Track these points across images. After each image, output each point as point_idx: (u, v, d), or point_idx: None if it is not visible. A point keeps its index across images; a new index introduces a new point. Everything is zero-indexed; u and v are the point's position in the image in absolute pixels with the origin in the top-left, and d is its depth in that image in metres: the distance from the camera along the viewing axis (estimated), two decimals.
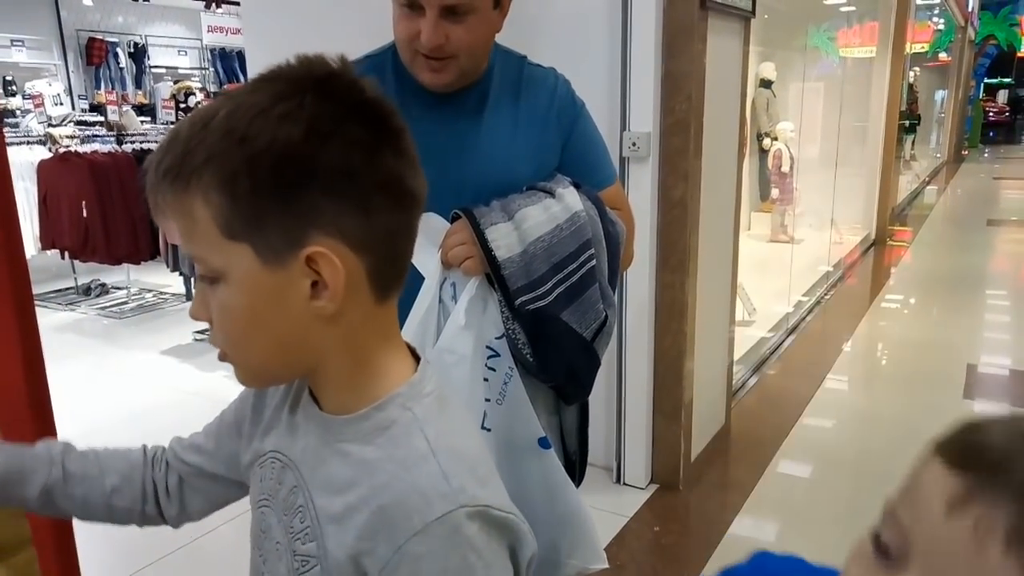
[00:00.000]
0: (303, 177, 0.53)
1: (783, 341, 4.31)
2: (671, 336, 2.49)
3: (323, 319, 0.57)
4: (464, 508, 0.55)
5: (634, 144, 2.29)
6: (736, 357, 3.23)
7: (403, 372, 0.62)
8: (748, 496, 2.62)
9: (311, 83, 0.54)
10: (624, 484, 2.64)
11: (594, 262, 1.10)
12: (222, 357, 0.60)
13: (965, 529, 0.35)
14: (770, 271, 5.37)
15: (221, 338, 0.60)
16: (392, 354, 0.63)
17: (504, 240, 1.05)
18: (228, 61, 10.74)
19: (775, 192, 6.28)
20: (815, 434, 3.22)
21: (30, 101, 6.47)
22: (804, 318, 4.78)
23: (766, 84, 6.31)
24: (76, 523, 1.56)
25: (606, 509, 2.45)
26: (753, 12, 2.66)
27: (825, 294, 5.36)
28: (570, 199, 1.10)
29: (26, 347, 1.40)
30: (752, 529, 2.45)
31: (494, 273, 1.06)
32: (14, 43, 9.25)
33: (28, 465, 0.72)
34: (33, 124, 5.78)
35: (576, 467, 1.26)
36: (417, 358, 0.65)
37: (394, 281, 0.61)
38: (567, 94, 1.23)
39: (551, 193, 1.11)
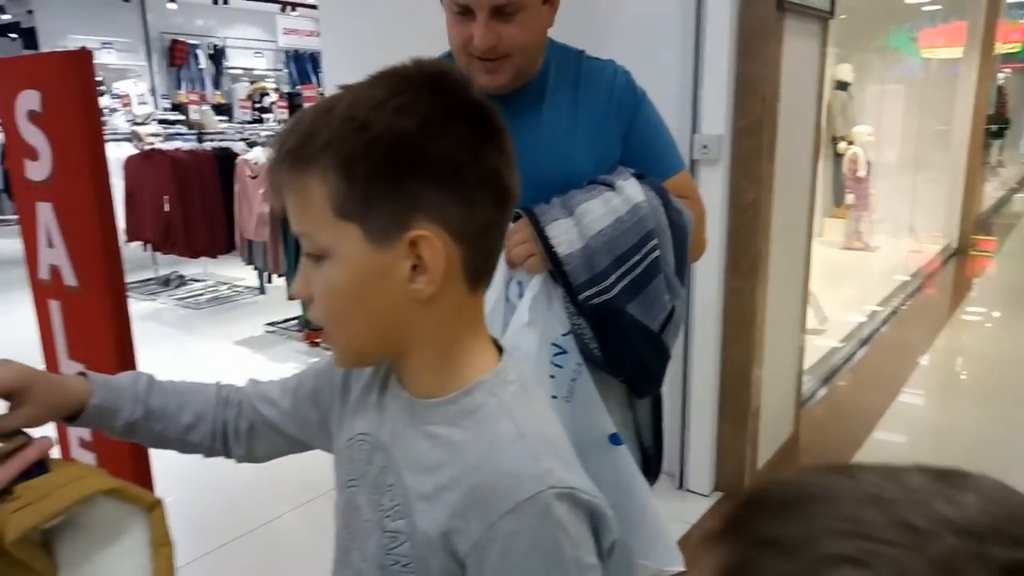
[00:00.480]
0: (414, 164, 0.57)
1: (855, 352, 4.16)
2: (739, 342, 2.44)
3: (419, 302, 0.60)
4: (553, 489, 0.57)
5: (705, 147, 2.26)
6: (805, 366, 3.15)
7: (488, 361, 0.66)
8: None
9: (425, 81, 0.59)
10: (687, 490, 2.60)
11: (658, 253, 1.08)
12: (323, 337, 0.65)
13: None
14: (843, 279, 5.20)
15: (322, 315, 0.63)
16: (479, 343, 0.66)
17: (565, 236, 1.05)
18: (302, 63, 11.05)
19: (850, 197, 6.08)
20: (888, 448, 3.10)
21: (118, 100, 6.81)
22: (878, 329, 4.61)
23: (842, 86, 6.11)
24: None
25: (668, 515, 2.40)
26: (832, 13, 2.58)
27: (901, 304, 5.16)
28: (630, 190, 1.09)
29: (119, 333, 1.48)
30: None
31: (556, 269, 1.06)
32: (104, 45, 9.74)
33: (117, 402, 0.76)
34: (120, 122, 6.08)
35: (652, 462, 1.25)
36: (500, 349, 0.68)
37: (485, 273, 0.64)
38: (627, 84, 1.21)
39: (611, 186, 1.10)
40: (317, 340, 4.32)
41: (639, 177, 1.13)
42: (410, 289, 0.59)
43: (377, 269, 0.59)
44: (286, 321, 4.70)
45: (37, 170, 1.49)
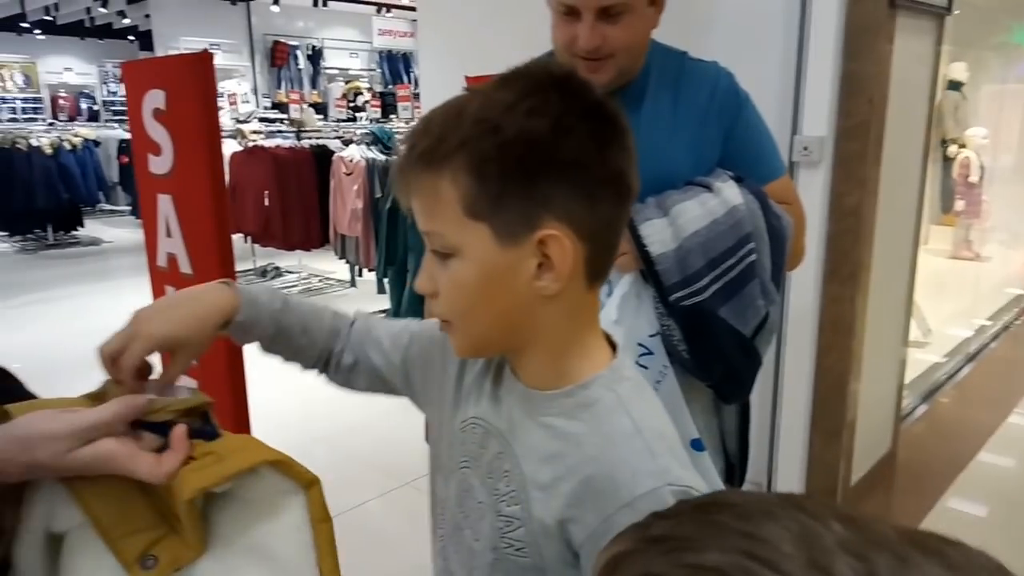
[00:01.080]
0: (545, 165, 0.59)
1: (960, 368, 3.92)
2: (836, 353, 2.35)
3: (543, 299, 0.62)
4: (670, 486, 0.58)
5: (806, 148, 2.18)
6: (906, 380, 2.99)
7: (603, 356, 0.67)
8: None
9: (553, 83, 0.61)
10: None
11: (754, 257, 1.06)
12: (443, 328, 0.67)
13: None
14: (949, 290, 4.91)
15: (447, 310, 0.65)
16: (594, 338, 0.67)
17: (658, 235, 1.04)
18: (394, 63, 11.34)
19: (959, 204, 5.73)
20: (995, 471, 2.91)
21: (224, 99, 7.18)
22: (987, 344, 4.33)
23: (955, 86, 5.76)
24: None
25: None
26: (949, 8, 2.44)
27: (1015, 319, 4.82)
28: (728, 193, 1.07)
29: None
30: None
31: (648, 268, 1.05)
32: (212, 46, 10.28)
33: (256, 319, 0.78)
34: (225, 120, 6.41)
35: (736, 470, 1.23)
36: (614, 346, 0.69)
37: (604, 271, 0.66)
38: (729, 86, 1.19)
39: (708, 188, 1.09)
40: None
41: (738, 180, 1.11)
42: (535, 286, 0.61)
43: (504, 267, 0.61)
44: (375, 314, 4.82)
45: (159, 164, 1.59)
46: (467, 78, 2.63)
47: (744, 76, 1.23)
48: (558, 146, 0.59)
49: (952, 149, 5.79)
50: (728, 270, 1.05)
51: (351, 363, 0.85)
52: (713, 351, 1.07)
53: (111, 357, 0.68)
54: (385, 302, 4.51)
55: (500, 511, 0.67)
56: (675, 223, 1.05)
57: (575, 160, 0.59)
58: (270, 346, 0.82)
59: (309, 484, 0.62)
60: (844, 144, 2.19)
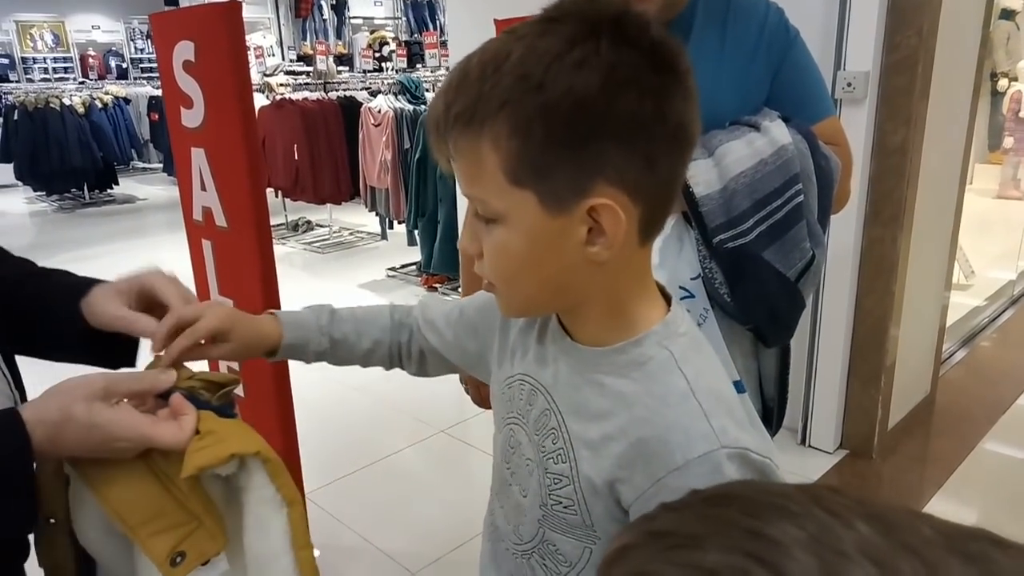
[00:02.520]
0: (597, 127, 0.53)
1: (1004, 311, 3.83)
2: (876, 295, 2.30)
3: (593, 263, 0.57)
4: (725, 449, 0.56)
5: (849, 84, 2.10)
6: (947, 324, 2.93)
7: (657, 311, 0.63)
8: (952, 473, 2.40)
9: (605, 26, 0.53)
10: (809, 447, 2.52)
11: (801, 198, 1.03)
12: (489, 288, 0.64)
13: None
14: (994, 231, 4.76)
15: (491, 273, 0.62)
16: (648, 294, 0.64)
17: (703, 176, 1.01)
18: (419, 10, 11.11)
19: (1009, 141, 5.50)
20: None
21: (251, 52, 7.14)
22: None
23: (1007, 15, 5.48)
24: (300, 436, 1.76)
25: (789, 471, 2.33)
26: None
27: None
28: (776, 132, 1.03)
29: (264, 270, 1.58)
30: (954, 507, 2.26)
31: (692, 210, 1.02)
32: None
33: (305, 337, 0.81)
34: (252, 73, 6.38)
35: (774, 415, 1.22)
36: (668, 298, 0.66)
37: (659, 226, 0.61)
38: (779, 23, 1.15)
39: (756, 127, 1.05)
40: (435, 284, 4.45)
41: (785, 120, 1.07)
42: (585, 252, 0.57)
43: (552, 235, 0.56)
44: (405, 267, 4.86)
45: (191, 117, 1.59)
46: (497, 21, 2.57)
47: (786, 7, 1.18)
48: (611, 104, 0.52)
49: (1003, 83, 5.54)
50: (774, 212, 1.02)
51: (419, 352, 0.86)
52: (756, 294, 1.05)
53: (176, 328, 0.70)
54: (416, 254, 4.53)
55: (548, 468, 0.65)
56: (720, 164, 1.02)
57: (631, 119, 0.53)
58: (335, 358, 0.84)
59: (291, 502, 0.62)
60: (890, 79, 2.10)
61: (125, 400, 0.62)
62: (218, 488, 0.63)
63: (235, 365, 1.59)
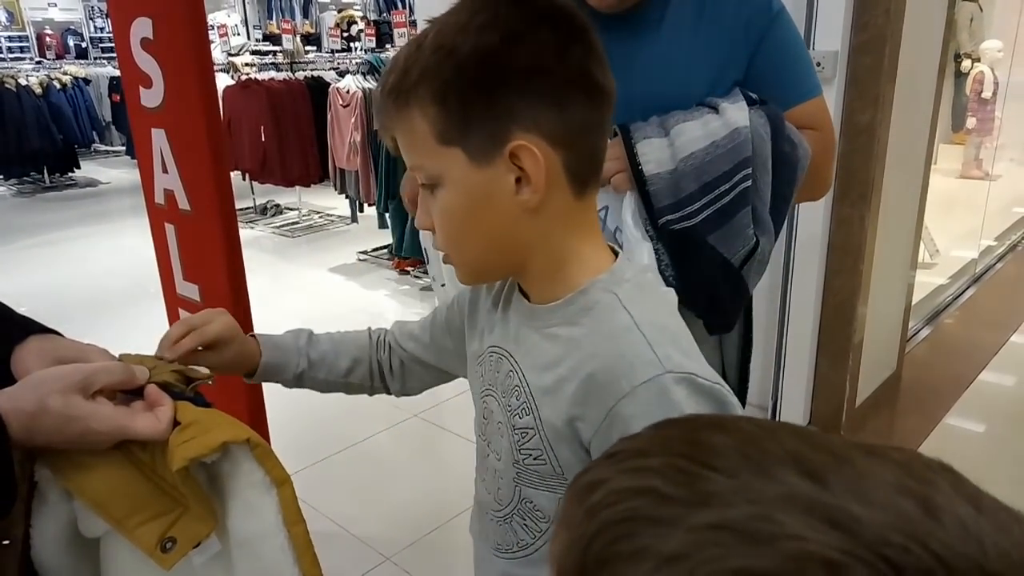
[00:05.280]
0: (502, 78, 0.59)
1: (966, 289, 3.92)
2: (844, 275, 2.33)
3: (528, 212, 0.62)
4: (670, 374, 0.59)
5: (819, 64, 2.10)
6: (913, 301, 2.99)
7: (603, 262, 0.67)
8: (916, 448, 2.46)
9: None
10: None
11: (749, 183, 1.01)
12: (445, 260, 0.69)
13: None
14: (957, 211, 4.85)
15: (442, 239, 0.66)
16: (592, 246, 0.67)
17: (655, 155, 1.00)
18: None
19: (971, 121, 5.59)
20: (997, 390, 2.94)
21: (214, 31, 6.97)
22: (993, 265, 4.31)
23: None
24: (271, 422, 1.74)
25: None
26: None
27: (1022, 239, 4.79)
28: (733, 115, 1.01)
29: (230, 254, 1.54)
30: None
31: (639, 188, 1.01)
32: None
33: (283, 357, 0.85)
34: (216, 53, 6.23)
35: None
36: (616, 253, 0.69)
37: (591, 176, 0.65)
38: (760, 2, 1.12)
39: (715, 108, 1.03)
40: (407, 268, 4.42)
41: (757, 103, 1.06)
42: (518, 201, 0.61)
43: (484, 186, 0.61)
44: (377, 250, 4.82)
45: (151, 97, 1.54)
46: None
47: None
48: (512, 56, 0.59)
49: (966, 64, 5.62)
50: (721, 196, 1.01)
51: (399, 365, 0.89)
52: (698, 278, 1.04)
53: (186, 331, 0.76)
54: (387, 237, 4.49)
55: (515, 424, 0.69)
56: (674, 144, 1.01)
57: (532, 67, 0.59)
58: (315, 380, 0.87)
59: (280, 482, 0.63)
60: (858, 59, 2.11)
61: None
62: (201, 475, 0.64)
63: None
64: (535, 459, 0.67)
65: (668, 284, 1.03)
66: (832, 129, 1.18)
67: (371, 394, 0.92)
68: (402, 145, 0.64)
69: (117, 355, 0.70)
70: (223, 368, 0.80)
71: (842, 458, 0.29)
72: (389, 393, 0.92)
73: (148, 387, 0.63)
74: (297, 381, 0.86)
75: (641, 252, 1.01)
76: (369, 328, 0.92)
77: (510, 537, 0.73)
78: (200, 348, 0.77)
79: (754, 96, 1.06)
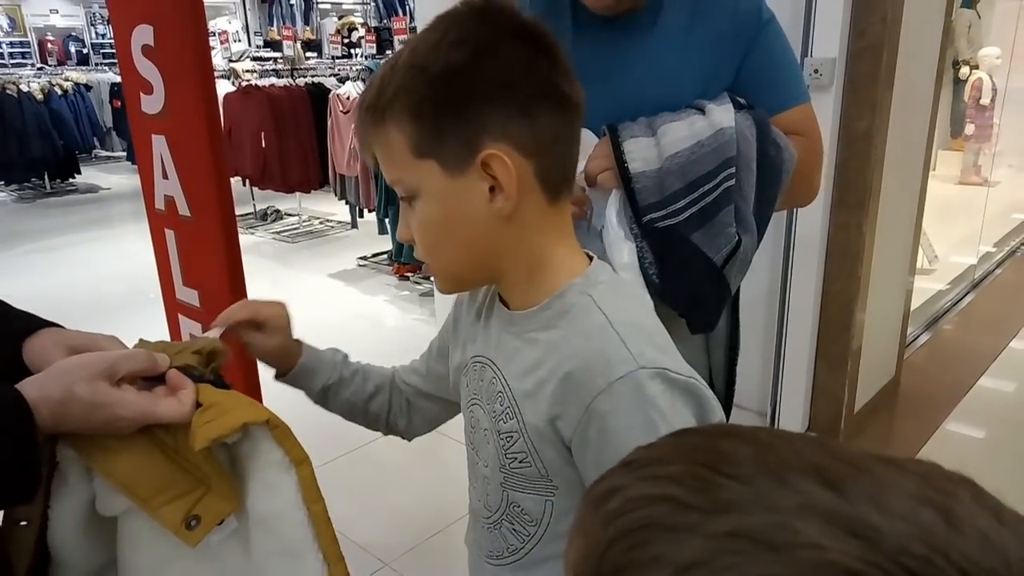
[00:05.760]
0: (472, 91, 0.62)
1: (965, 295, 3.92)
2: (842, 280, 2.33)
3: (503, 220, 0.64)
4: (644, 369, 0.61)
5: (816, 71, 2.11)
6: (911, 308, 2.99)
7: (579, 266, 0.69)
8: (915, 454, 2.45)
9: (472, 13, 0.64)
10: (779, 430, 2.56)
11: (732, 182, 1.02)
12: (425, 270, 0.69)
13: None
14: (956, 217, 4.86)
15: (422, 249, 0.69)
16: (567, 251, 0.69)
17: (641, 153, 1.01)
18: None
19: (970, 128, 5.61)
20: (996, 396, 2.94)
21: (215, 38, 6.99)
22: (992, 271, 4.31)
23: (968, 3, 5.57)
24: None
25: None
26: None
27: (1021, 245, 4.80)
28: (719, 115, 1.02)
29: (230, 260, 1.55)
30: None
31: (625, 187, 1.02)
32: None
33: (318, 364, 0.88)
34: (217, 60, 6.25)
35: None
36: (591, 257, 0.72)
37: (562, 183, 0.68)
38: (751, 9, 1.13)
39: (701, 110, 1.05)
40: (407, 274, 4.43)
41: (744, 107, 1.07)
42: (492, 209, 0.64)
43: (459, 196, 0.64)
44: (377, 255, 4.82)
45: (151, 103, 1.55)
46: None
47: None
48: (481, 70, 0.61)
49: (964, 71, 5.63)
50: (705, 194, 1.02)
51: (406, 403, 0.92)
52: (681, 276, 1.04)
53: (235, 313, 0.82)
54: (387, 243, 4.50)
55: (500, 430, 0.70)
56: (660, 143, 1.02)
57: (501, 80, 0.62)
58: (337, 397, 0.89)
59: (300, 462, 0.64)
60: (855, 66, 2.12)
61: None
62: (222, 455, 0.65)
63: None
64: (520, 462, 0.69)
65: (651, 282, 1.04)
66: (820, 136, 1.19)
67: (385, 432, 0.94)
68: (380, 159, 0.67)
69: (132, 343, 0.71)
70: (264, 354, 0.84)
71: (861, 468, 0.29)
72: (397, 432, 0.94)
73: (170, 371, 0.65)
74: (323, 394, 0.89)
75: (623, 251, 1.02)
76: (393, 367, 0.95)
77: (500, 543, 0.75)
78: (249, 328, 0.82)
79: (742, 101, 1.08)
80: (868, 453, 0.30)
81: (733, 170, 1.02)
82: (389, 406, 0.91)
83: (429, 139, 0.62)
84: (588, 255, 0.71)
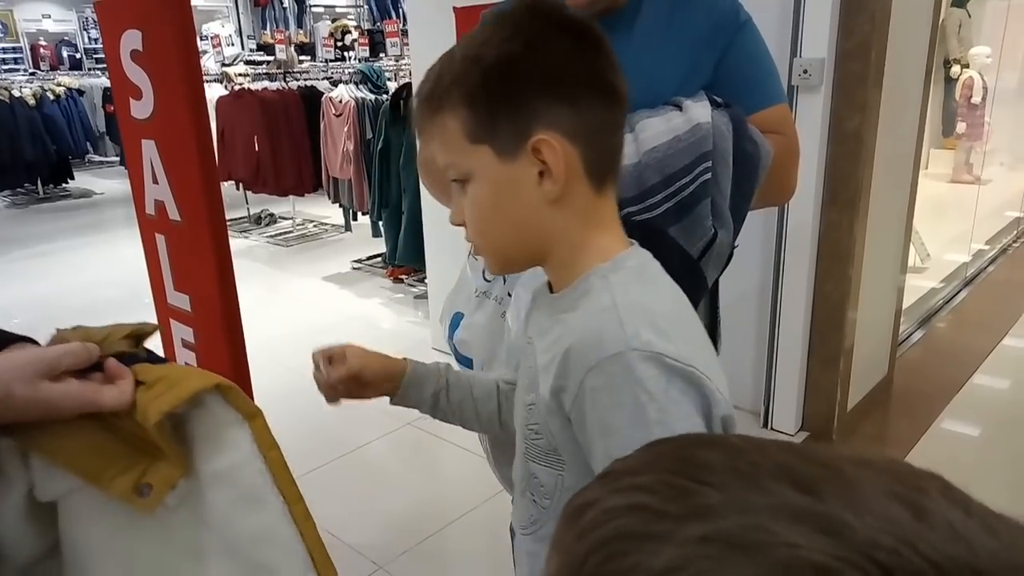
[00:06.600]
0: (525, 81, 0.66)
1: (958, 292, 3.94)
2: (834, 280, 2.34)
3: (551, 203, 0.68)
4: (636, 351, 0.62)
5: (805, 71, 2.12)
6: (904, 306, 3.00)
7: (613, 252, 0.71)
8: (908, 452, 2.47)
9: (523, 10, 0.69)
10: (771, 429, 2.56)
11: (709, 176, 1.04)
12: (476, 251, 0.75)
13: None
14: (948, 215, 4.88)
15: (473, 231, 0.73)
16: (609, 238, 0.72)
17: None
18: None
19: (961, 126, 5.63)
20: (989, 393, 2.96)
21: (207, 42, 6.98)
22: (984, 268, 4.33)
23: (959, 3, 5.59)
24: None
25: None
26: None
27: (1013, 242, 4.81)
28: (696, 111, 1.05)
29: (220, 264, 1.55)
30: None
31: None
32: None
33: (425, 375, 0.91)
34: (210, 64, 6.25)
35: None
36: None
37: (608, 171, 0.71)
38: (728, 9, 1.15)
39: (679, 106, 1.07)
40: (401, 277, 4.42)
41: (721, 105, 1.08)
42: (541, 192, 0.67)
43: (510, 180, 0.68)
44: (371, 258, 4.82)
45: (141, 108, 1.55)
46: (456, 10, 2.54)
47: None
48: (534, 60, 0.66)
49: (955, 70, 5.66)
50: (682, 188, 1.03)
51: (504, 399, 0.94)
52: None
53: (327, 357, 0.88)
54: (381, 246, 4.50)
55: (525, 401, 0.74)
56: (638, 138, 1.04)
57: (552, 69, 0.66)
58: (448, 403, 0.92)
59: (252, 416, 0.64)
60: (844, 66, 2.13)
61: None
62: (170, 426, 0.64)
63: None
64: (536, 434, 0.72)
65: None
66: (796, 135, 1.21)
67: (500, 432, 0.95)
68: (437, 147, 0.71)
69: (54, 329, 0.71)
70: (374, 394, 0.90)
71: (832, 468, 0.29)
72: (511, 431, 0.96)
73: (108, 361, 0.65)
74: (433, 401, 0.92)
75: None
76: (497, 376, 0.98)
77: (525, 514, 0.78)
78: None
79: (719, 99, 1.09)
80: (840, 454, 0.31)
81: (710, 164, 1.03)
82: (499, 405, 0.94)
83: (483, 126, 0.67)
84: (632, 242, 0.74)
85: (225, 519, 0.65)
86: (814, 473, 0.28)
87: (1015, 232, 4.94)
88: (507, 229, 0.71)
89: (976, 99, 5.44)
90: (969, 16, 5.63)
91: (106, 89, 8.33)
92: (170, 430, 0.64)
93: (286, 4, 10.81)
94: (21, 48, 11.41)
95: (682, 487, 0.29)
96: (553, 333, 0.71)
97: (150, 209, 1.65)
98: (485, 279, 1.18)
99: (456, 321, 1.24)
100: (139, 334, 0.70)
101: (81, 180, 8.34)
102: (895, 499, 0.27)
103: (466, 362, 1.22)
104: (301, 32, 10.27)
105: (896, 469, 0.29)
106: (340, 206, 4.94)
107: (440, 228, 3.32)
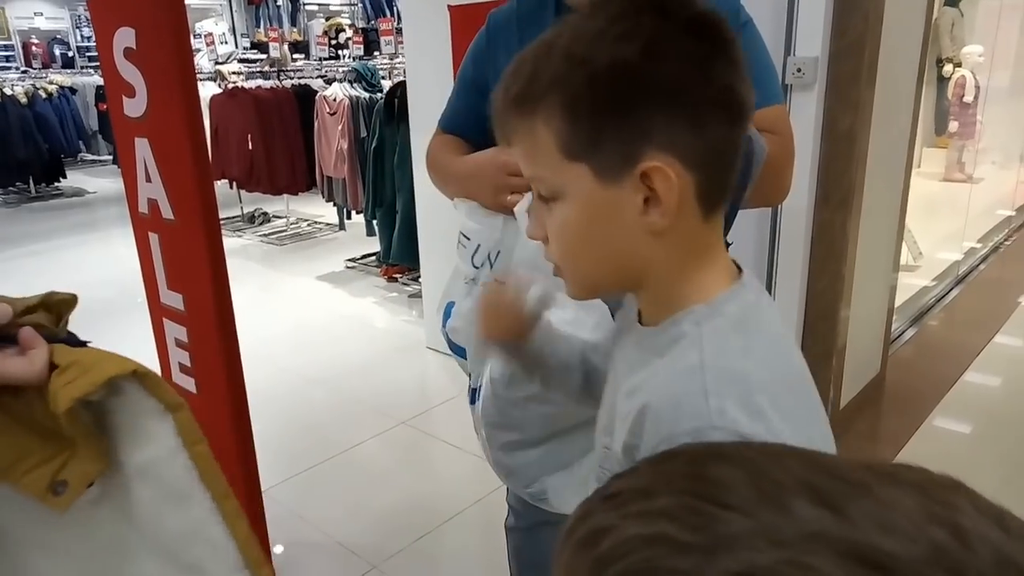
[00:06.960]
0: (640, 94, 0.55)
1: (950, 291, 3.96)
2: (827, 279, 2.35)
3: (653, 235, 0.58)
4: (717, 429, 0.52)
5: (799, 70, 2.13)
6: (896, 304, 3.01)
7: (715, 289, 0.61)
8: (900, 449, 2.48)
9: (646, 2, 0.56)
10: None
11: None
12: (556, 272, 0.65)
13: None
14: (941, 213, 4.90)
15: (557, 254, 0.63)
16: (711, 274, 0.62)
17: None
18: None
19: (953, 125, 5.65)
20: (981, 390, 2.97)
21: (201, 40, 6.95)
22: (976, 267, 4.35)
23: (952, 2, 5.62)
24: (256, 431, 1.74)
25: None
26: None
27: (1004, 240, 4.84)
28: None
29: (214, 262, 1.54)
30: None
31: None
32: None
33: (569, 362, 0.86)
34: (203, 62, 6.22)
35: None
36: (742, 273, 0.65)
37: (720, 198, 0.60)
38: (729, 11, 1.15)
39: None
40: (395, 276, 4.42)
41: None
42: (643, 222, 0.57)
43: (609, 206, 0.58)
44: (365, 257, 4.81)
45: (134, 106, 1.54)
46: (451, 8, 2.54)
47: None
48: (652, 71, 0.54)
49: (948, 69, 5.68)
50: None
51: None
52: None
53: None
54: (375, 245, 4.49)
55: (602, 442, 0.67)
56: None
57: (672, 83, 0.55)
58: (557, 359, 0.86)
59: (175, 407, 0.61)
60: (838, 65, 2.14)
61: None
62: (87, 416, 0.61)
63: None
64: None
65: None
66: (792, 136, 1.21)
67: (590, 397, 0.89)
68: (520, 154, 0.61)
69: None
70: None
71: (855, 483, 0.28)
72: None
73: (23, 330, 0.59)
74: (534, 363, 0.87)
75: None
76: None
77: None
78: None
79: None
80: (857, 462, 0.29)
81: None
82: (586, 378, 0.88)
83: (583, 141, 0.56)
84: (739, 268, 0.64)
85: (150, 516, 0.62)
86: (838, 489, 0.27)
87: (1007, 230, 4.97)
88: (599, 257, 0.61)
89: (968, 98, 5.47)
90: (962, 15, 5.66)
91: (99, 87, 8.29)
92: (89, 420, 0.60)
93: (280, 2, 10.79)
94: (13, 46, 11.35)
95: (703, 512, 0.27)
96: (638, 376, 0.62)
97: (143, 208, 1.64)
98: (473, 265, 1.17)
99: (449, 310, 1.24)
100: (62, 304, 0.63)
101: (74, 179, 8.30)
102: (931, 521, 0.26)
103: (459, 351, 1.21)
104: (295, 30, 10.25)
105: (921, 481, 0.28)
106: (334, 205, 4.94)
107: (434, 227, 3.32)
